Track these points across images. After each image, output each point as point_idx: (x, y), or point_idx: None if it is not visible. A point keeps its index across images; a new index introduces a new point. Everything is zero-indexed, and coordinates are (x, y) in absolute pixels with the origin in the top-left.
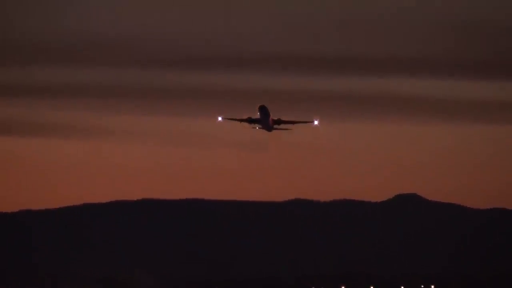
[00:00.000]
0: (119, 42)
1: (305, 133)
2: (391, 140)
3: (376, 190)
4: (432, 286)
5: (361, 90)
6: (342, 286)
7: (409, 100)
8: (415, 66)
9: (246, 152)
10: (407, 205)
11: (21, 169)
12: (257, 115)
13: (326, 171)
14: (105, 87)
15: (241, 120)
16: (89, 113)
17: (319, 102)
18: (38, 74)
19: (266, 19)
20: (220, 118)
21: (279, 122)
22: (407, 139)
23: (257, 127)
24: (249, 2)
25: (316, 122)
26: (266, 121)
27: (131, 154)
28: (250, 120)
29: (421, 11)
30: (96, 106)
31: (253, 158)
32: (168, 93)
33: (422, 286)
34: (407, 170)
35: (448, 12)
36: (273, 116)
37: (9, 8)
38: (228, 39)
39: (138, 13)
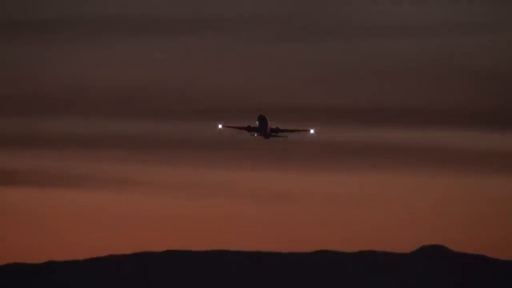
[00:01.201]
0: (135, 93)
1: (329, 183)
2: (416, 190)
3: (402, 241)
4: None
5: (387, 141)
6: None
7: (435, 151)
8: (443, 117)
9: (270, 201)
10: (432, 256)
11: (45, 220)
12: (256, 123)
13: (351, 221)
14: (122, 138)
15: (241, 128)
16: (111, 164)
17: (343, 152)
18: (63, 125)
19: (283, 72)
20: (220, 126)
21: (276, 130)
22: (433, 189)
23: (255, 134)
24: (263, 54)
25: (312, 131)
26: (264, 129)
27: (155, 204)
28: (250, 129)
29: (439, 62)
30: (118, 156)
31: (278, 207)
32: (187, 144)
33: None
34: (433, 220)
35: (466, 63)
36: (271, 125)
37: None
38: (243, 90)
39: (151, 63)
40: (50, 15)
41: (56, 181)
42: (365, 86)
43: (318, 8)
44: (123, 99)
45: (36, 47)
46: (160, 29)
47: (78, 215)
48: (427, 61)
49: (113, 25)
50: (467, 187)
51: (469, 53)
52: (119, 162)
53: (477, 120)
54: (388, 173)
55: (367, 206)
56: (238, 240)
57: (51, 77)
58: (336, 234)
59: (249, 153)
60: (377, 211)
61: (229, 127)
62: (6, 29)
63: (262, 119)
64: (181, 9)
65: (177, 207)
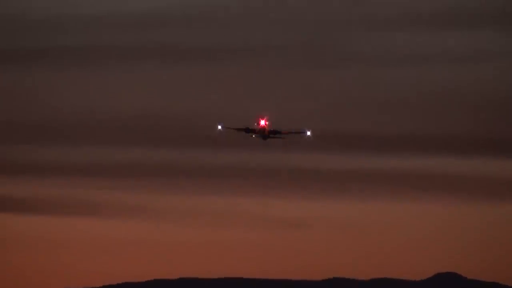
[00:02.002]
0: (146, 121)
1: (341, 210)
2: (429, 217)
3: (415, 268)
4: None
5: (399, 168)
6: None
7: (448, 178)
8: (455, 145)
9: (282, 228)
10: (446, 283)
11: (59, 248)
12: (254, 125)
13: (364, 248)
14: (134, 166)
15: (239, 129)
16: (124, 192)
17: (356, 180)
18: (76, 154)
19: (291, 99)
20: (219, 127)
21: (274, 132)
22: (446, 216)
23: (253, 135)
24: (271, 82)
25: (308, 133)
26: (262, 131)
27: (168, 231)
28: (248, 130)
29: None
30: (131, 185)
31: (290, 235)
32: (199, 171)
33: None
34: (446, 247)
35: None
36: (269, 127)
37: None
38: (252, 117)
39: (163, 91)
40: (56, 43)
41: (69, 209)
42: (377, 114)
43: (314, 38)
44: (135, 128)
45: (44, 75)
46: (171, 57)
47: (91, 243)
48: (427, 89)
49: (121, 53)
50: (481, 214)
51: (472, 80)
52: (132, 190)
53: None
54: (401, 200)
55: (379, 233)
56: (250, 268)
57: (61, 105)
58: (348, 261)
59: (260, 180)
60: (389, 238)
61: (228, 128)
62: (27, 57)
63: (261, 121)
64: (193, 38)
65: (190, 234)
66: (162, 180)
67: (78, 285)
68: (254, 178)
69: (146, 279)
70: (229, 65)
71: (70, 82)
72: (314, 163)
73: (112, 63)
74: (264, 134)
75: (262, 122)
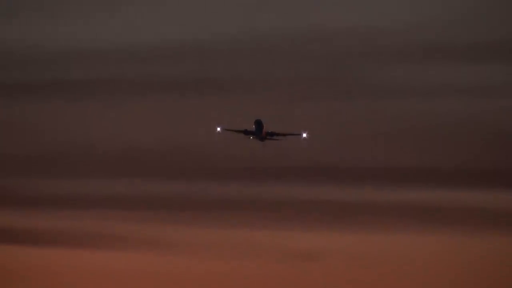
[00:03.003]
0: (160, 153)
1: (357, 242)
2: (447, 250)
3: None
4: None
5: (417, 200)
6: None
7: (464, 211)
8: (467, 177)
9: (297, 260)
10: None
11: (74, 279)
12: (253, 127)
13: (380, 281)
14: (149, 199)
15: (239, 131)
16: (140, 224)
17: (369, 213)
18: (90, 186)
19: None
20: (219, 129)
21: (271, 134)
22: (463, 249)
23: (251, 137)
24: (282, 113)
25: (304, 135)
26: (259, 133)
27: (184, 264)
28: (246, 132)
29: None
30: (147, 217)
31: (304, 267)
32: (214, 204)
33: None
34: (463, 280)
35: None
36: (266, 129)
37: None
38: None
39: (177, 124)
40: (68, 77)
41: (85, 241)
42: (385, 146)
43: (320, 70)
44: (150, 160)
45: (59, 108)
46: (182, 89)
47: (107, 275)
48: (437, 121)
49: (132, 85)
50: (493, 245)
51: (482, 112)
52: (148, 223)
53: (500, 179)
54: (416, 232)
55: (393, 265)
56: None
57: (75, 138)
58: None
59: (274, 212)
60: (405, 272)
61: (227, 130)
62: (45, 89)
63: (259, 124)
64: (204, 70)
65: (204, 267)
66: (174, 212)
67: None
68: (267, 210)
69: None
70: (240, 96)
71: (83, 114)
72: (326, 195)
73: (124, 96)
74: (261, 136)
75: (259, 126)
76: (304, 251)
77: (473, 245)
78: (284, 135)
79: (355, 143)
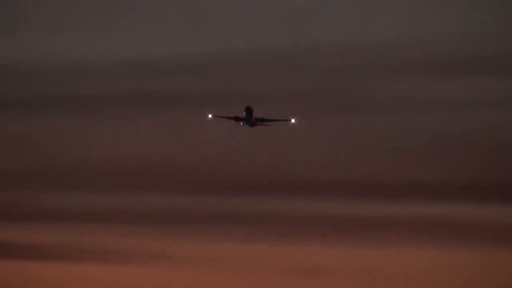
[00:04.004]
0: (168, 168)
1: (361, 257)
2: (453, 265)
3: None
4: None
5: (424, 215)
6: None
7: (473, 226)
8: (477, 191)
9: (302, 275)
10: None
11: None
12: (243, 114)
13: None
14: (155, 213)
15: (229, 118)
16: (144, 240)
17: (376, 228)
18: (95, 200)
19: (308, 147)
20: (210, 115)
21: (261, 120)
22: (468, 264)
23: (241, 123)
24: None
25: (293, 121)
26: (249, 119)
27: (190, 279)
28: (237, 118)
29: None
30: (152, 232)
31: (309, 282)
32: (219, 218)
33: None
34: None
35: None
36: (256, 115)
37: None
38: (272, 167)
39: (187, 138)
40: (78, 91)
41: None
42: (388, 161)
43: (325, 84)
44: (153, 175)
45: (67, 123)
46: (193, 104)
47: None
48: (448, 135)
49: (144, 100)
50: (506, 261)
51: (492, 126)
52: (151, 237)
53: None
54: (423, 248)
55: (400, 281)
56: None
57: (82, 152)
58: None
59: (280, 227)
60: (410, 286)
61: (218, 116)
62: (49, 104)
63: (248, 110)
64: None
65: (209, 281)
66: (178, 226)
67: None
68: (273, 225)
69: None
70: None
71: (87, 129)
72: (329, 210)
73: (127, 110)
74: (251, 122)
75: (249, 112)
76: (307, 266)
77: (477, 260)
78: (273, 121)
79: (357, 158)
